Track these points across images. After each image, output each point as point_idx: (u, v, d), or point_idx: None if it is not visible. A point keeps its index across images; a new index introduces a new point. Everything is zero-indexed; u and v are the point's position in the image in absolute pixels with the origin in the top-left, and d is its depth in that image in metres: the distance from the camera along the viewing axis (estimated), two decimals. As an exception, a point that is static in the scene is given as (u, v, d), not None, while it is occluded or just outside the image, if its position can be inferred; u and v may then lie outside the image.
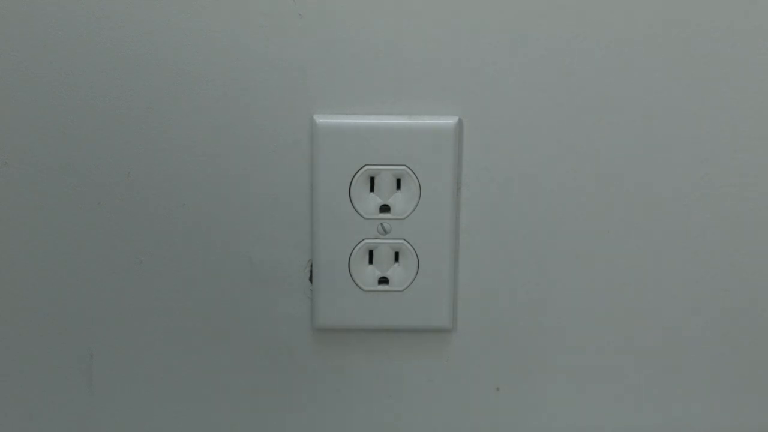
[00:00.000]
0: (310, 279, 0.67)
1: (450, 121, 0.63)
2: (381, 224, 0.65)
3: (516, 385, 0.69)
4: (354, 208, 0.65)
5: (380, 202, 0.65)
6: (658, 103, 0.64)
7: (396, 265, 0.66)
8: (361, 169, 0.64)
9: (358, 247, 0.65)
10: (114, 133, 0.64)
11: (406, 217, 0.65)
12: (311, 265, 0.66)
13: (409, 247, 0.65)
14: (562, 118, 0.64)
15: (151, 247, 0.66)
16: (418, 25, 0.62)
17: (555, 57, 0.63)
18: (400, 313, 0.67)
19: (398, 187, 0.65)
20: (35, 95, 0.63)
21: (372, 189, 0.65)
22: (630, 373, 0.69)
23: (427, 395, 0.70)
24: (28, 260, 0.66)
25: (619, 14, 0.62)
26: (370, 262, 0.66)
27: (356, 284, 0.66)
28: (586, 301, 0.67)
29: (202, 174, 0.65)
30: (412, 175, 0.64)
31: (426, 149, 0.64)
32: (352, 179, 0.64)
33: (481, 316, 0.68)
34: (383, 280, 0.66)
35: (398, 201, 0.65)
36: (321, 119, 0.63)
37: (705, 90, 0.63)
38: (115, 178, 0.65)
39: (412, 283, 0.66)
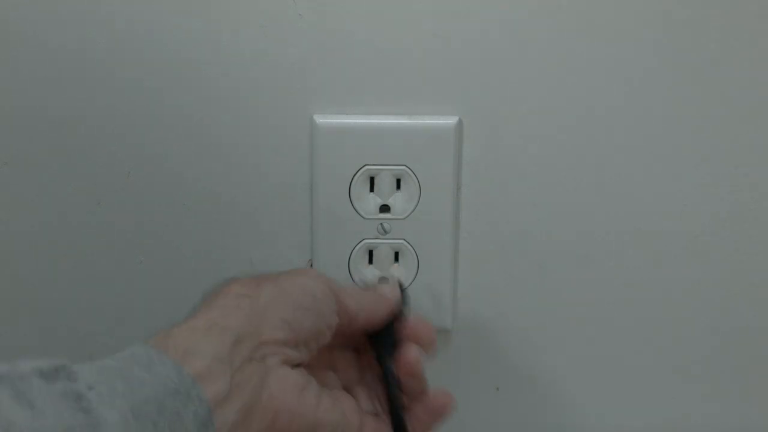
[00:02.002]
0: (310, 279, 0.67)
1: (450, 121, 0.63)
2: (381, 224, 0.65)
3: (516, 385, 0.69)
4: (354, 208, 0.65)
5: (380, 202, 0.65)
6: (658, 103, 0.64)
7: (396, 265, 0.66)
8: (361, 169, 0.64)
9: (358, 247, 0.65)
10: (114, 133, 0.64)
11: (406, 217, 0.65)
12: (311, 265, 0.66)
13: (409, 247, 0.65)
14: (562, 118, 0.64)
15: (151, 247, 0.66)
16: (418, 24, 0.62)
17: (555, 57, 0.63)
18: (400, 313, 0.67)
19: (398, 187, 0.65)
20: (35, 95, 0.63)
21: (372, 189, 0.65)
22: (630, 373, 0.69)
23: (427, 395, 0.69)
24: (28, 260, 0.66)
25: (619, 14, 0.62)
26: (370, 262, 0.66)
27: (356, 284, 0.66)
28: (586, 301, 0.67)
29: (202, 174, 0.65)
30: (412, 175, 0.64)
31: (426, 149, 0.64)
32: (352, 179, 0.64)
33: (481, 316, 0.68)
34: (383, 280, 0.66)
35: (398, 201, 0.65)
36: (321, 119, 0.63)
37: (705, 90, 0.63)
38: (115, 178, 0.65)
39: (412, 283, 0.66)
